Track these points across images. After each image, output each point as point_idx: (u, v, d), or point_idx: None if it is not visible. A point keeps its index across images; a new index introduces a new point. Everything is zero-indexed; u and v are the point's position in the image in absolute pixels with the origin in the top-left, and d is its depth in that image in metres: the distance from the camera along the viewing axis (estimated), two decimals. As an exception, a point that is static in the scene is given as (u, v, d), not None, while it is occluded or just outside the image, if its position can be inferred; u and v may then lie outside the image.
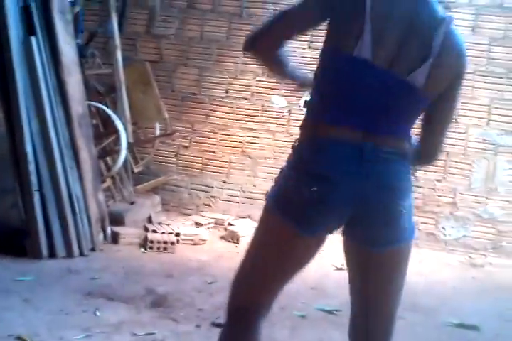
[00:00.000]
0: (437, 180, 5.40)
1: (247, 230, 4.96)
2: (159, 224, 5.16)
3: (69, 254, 4.34)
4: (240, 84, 5.70)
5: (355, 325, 2.16)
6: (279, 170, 2.02)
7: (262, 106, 5.60)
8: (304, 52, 5.47)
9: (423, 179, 5.40)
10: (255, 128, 5.60)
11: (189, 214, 5.70)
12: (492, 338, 3.68)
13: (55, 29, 4.51)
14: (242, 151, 5.71)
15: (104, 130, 5.31)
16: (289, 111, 5.59)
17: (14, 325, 3.15)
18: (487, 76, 5.33)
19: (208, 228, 5.36)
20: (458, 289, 4.53)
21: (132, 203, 5.27)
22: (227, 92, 5.75)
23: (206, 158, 5.78)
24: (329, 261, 4.81)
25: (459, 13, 5.32)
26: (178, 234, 4.91)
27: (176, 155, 5.87)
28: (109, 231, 4.77)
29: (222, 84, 5.76)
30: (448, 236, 5.40)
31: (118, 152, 5.03)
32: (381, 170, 1.91)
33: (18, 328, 3.11)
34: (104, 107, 5.20)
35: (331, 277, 4.53)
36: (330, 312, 3.85)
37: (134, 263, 4.41)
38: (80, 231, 4.41)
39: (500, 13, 5.29)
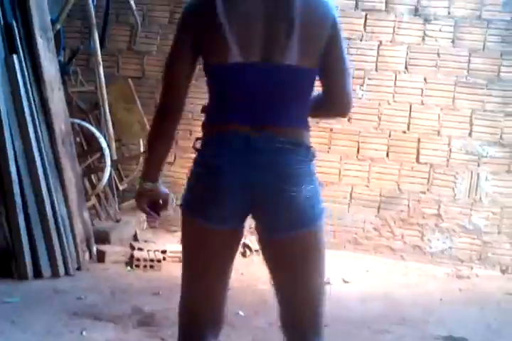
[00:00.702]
0: (422, 192, 5.43)
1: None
2: (145, 241, 5.15)
3: (54, 274, 4.30)
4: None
5: (283, 322, 2.19)
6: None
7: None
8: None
9: (408, 191, 5.43)
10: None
11: (175, 231, 5.64)
12: (481, 350, 3.72)
13: (36, 47, 4.51)
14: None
15: (88, 148, 5.30)
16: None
17: (1, 348, 3.14)
18: (468, 87, 5.37)
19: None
20: (445, 301, 4.54)
21: (118, 221, 5.25)
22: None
23: (191, 174, 5.76)
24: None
25: (439, 25, 5.39)
26: (164, 252, 4.89)
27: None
28: (94, 249, 4.74)
29: (205, 98, 5.73)
30: (434, 248, 5.42)
31: (102, 169, 5.01)
32: (271, 159, 1.99)
33: (6, 351, 3.11)
34: (87, 125, 5.19)
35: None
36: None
37: (120, 281, 4.39)
38: (66, 251, 4.38)
39: (479, 25, 5.34)
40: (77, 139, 5.18)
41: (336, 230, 5.48)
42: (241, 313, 3.90)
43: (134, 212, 5.59)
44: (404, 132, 5.45)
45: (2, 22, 4.32)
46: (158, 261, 4.73)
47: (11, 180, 4.19)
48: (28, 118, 4.35)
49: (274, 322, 3.57)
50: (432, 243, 5.42)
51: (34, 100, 4.45)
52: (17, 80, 4.29)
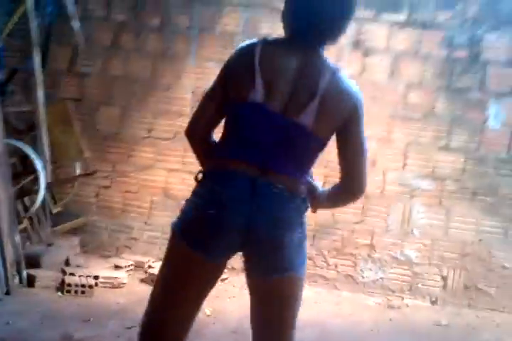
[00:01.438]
0: (355, 223, 5.50)
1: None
2: (77, 266, 5.05)
3: (-18, 299, 4.21)
4: (163, 124, 5.69)
5: None
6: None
7: (185, 147, 5.59)
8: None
9: (342, 221, 5.50)
10: (177, 169, 5.59)
11: (109, 257, 5.59)
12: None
13: (-26, 66, 4.44)
14: (164, 192, 5.68)
15: (22, 169, 5.20)
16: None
17: None
18: (403, 120, 5.48)
19: (128, 271, 5.28)
20: (376, 331, 4.59)
21: (50, 245, 5.15)
22: (150, 132, 5.74)
23: (127, 199, 5.72)
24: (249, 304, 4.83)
25: (378, 58, 5.51)
26: (96, 277, 4.82)
27: (96, 196, 5.78)
28: (25, 274, 4.63)
29: (145, 123, 5.75)
30: (366, 278, 5.48)
31: (36, 192, 4.92)
32: (270, 203, 2.13)
33: None
34: (22, 146, 5.10)
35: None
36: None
37: (50, 307, 4.31)
38: (-6, 275, 4.29)
39: (416, 59, 5.48)
40: (12, 160, 5.09)
41: (271, 258, 5.49)
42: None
43: (66, 236, 5.53)
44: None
45: None
46: (90, 286, 4.66)
47: None
48: (-38, 138, 4.26)
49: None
50: (364, 273, 5.49)
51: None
52: (-48, 99, 4.22)
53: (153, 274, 5.11)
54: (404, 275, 5.44)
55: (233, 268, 5.49)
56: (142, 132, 5.74)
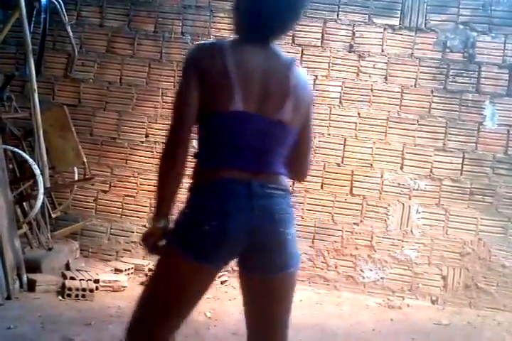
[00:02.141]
0: (355, 224, 5.51)
1: (167, 275, 4.90)
2: (77, 270, 5.05)
3: (-17, 303, 4.19)
4: (159, 129, 5.70)
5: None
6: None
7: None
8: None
9: (341, 222, 5.51)
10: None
11: (109, 260, 5.59)
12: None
13: (-30, 72, 4.44)
14: (162, 196, 5.67)
15: (20, 175, 5.20)
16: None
17: None
18: (399, 122, 5.52)
19: (128, 274, 5.28)
20: (377, 331, 4.58)
21: (50, 249, 5.14)
22: (147, 136, 5.75)
23: (126, 203, 5.73)
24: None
25: (372, 61, 5.55)
26: (97, 281, 4.81)
27: (95, 200, 5.78)
28: (25, 278, 4.62)
29: (142, 128, 5.76)
30: (366, 279, 5.49)
31: (35, 197, 4.91)
32: (267, 204, 2.16)
33: None
34: (20, 151, 5.10)
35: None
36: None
37: (51, 311, 4.28)
38: (-5, 280, 4.27)
39: (411, 62, 5.52)
40: (10, 166, 5.08)
41: (271, 260, 5.49)
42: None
43: (66, 241, 5.52)
44: (339, 164, 5.55)
45: None
46: (91, 290, 4.64)
47: None
48: (-40, 143, 4.26)
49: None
50: (364, 273, 5.49)
51: (-33, 125, 4.37)
52: (-50, 104, 4.22)
53: (153, 278, 5.10)
54: (405, 275, 5.44)
55: (233, 270, 5.49)
56: (139, 136, 5.76)
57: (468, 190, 5.42)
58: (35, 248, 5.12)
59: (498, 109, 5.44)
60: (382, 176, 5.50)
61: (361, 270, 5.50)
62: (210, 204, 2.15)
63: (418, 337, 4.52)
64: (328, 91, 5.58)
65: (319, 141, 5.56)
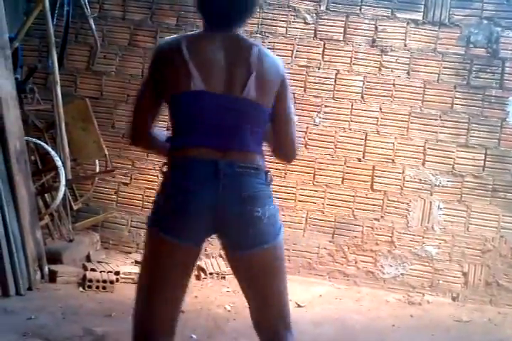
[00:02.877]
0: (375, 219, 5.49)
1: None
2: (98, 262, 5.07)
3: (5, 294, 4.22)
4: (180, 122, 5.71)
5: (257, 325, 2.44)
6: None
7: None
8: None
9: (362, 217, 5.49)
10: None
11: (129, 252, 5.62)
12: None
13: (-6, 64, 4.47)
14: (183, 189, 5.69)
15: (42, 166, 5.23)
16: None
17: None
18: (422, 118, 5.48)
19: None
20: (396, 327, 4.56)
21: (71, 241, 5.17)
22: (167, 129, 5.74)
23: (147, 196, 5.72)
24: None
25: (395, 56, 5.52)
26: (117, 273, 4.83)
27: (115, 193, 5.80)
28: (46, 269, 4.65)
29: (163, 121, 5.74)
30: (386, 275, 5.46)
31: (57, 189, 4.94)
32: (236, 182, 2.23)
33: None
34: (42, 143, 5.13)
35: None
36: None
37: (71, 302, 4.31)
38: (17, 270, 4.30)
39: (433, 57, 5.48)
40: (32, 158, 5.12)
41: (291, 255, 5.49)
42: (194, 337, 3.87)
43: (87, 233, 5.54)
44: (360, 160, 5.53)
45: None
46: (111, 282, 4.67)
47: (-38, 196, 4.12)
48: (-17, 136, 4.30)
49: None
50: (384, 269, 5.47)
51: (-12, 118, 4.40)
52: (-27, 97, 4.25)
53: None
54: (425, 271, 5.41)
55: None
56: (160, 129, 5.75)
57: (490, 186, 5.38)
58: (56, 239, 5.15)
59: (522, 105, 5.40)
60: (403, 172, 5.47)
61: (381, 265, 5.47)
62: (176, 182, 2.26)
63: (438, 333, 4.50)
64: (350, 86, 5.56)
65: (340, 136, 5.54)
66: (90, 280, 4.63)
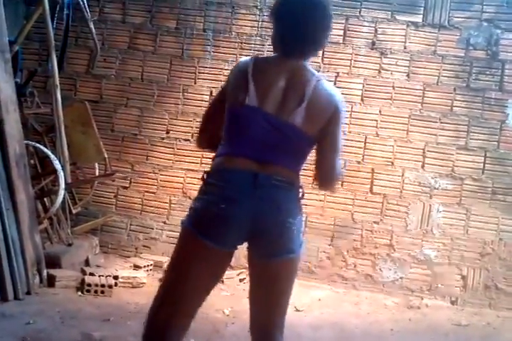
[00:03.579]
0: (375, 222, 5.48)
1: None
2: (97, 266, 5.08)
3: (3, 298, 4.22)
4: (180, 125, 5.72)
5: (255, 324, 2.58)
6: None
7: (203, 147, 5.62)
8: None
9: (361, 221, 5.49)
10: (195, 170, 5.60)
11: (128, 257, 5.62)
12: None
13: (-7, 68, 4.47)
14: (183, 192, 5.70)
15: (42, 170, 5.24)
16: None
17: None
18: (421, 120, 5.48)
19: (147, 270, 5.30)
20: (395, 331, 4.57)
21: (70, 245, 5.17)
22: (167, 133, 5.76)
23: (146, 199, 5.74)
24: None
25: (395, 59, 5.51)
26: (116, 277, 4.83)
27: (115, 196, 5.81)
28: (45, 274, 4.66)
29: (163, 124, 5.78)
30: (385, 278, 5.46)
31: (56, 192, 4.94)
32: (272, 194, 2.40)
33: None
34: (42, 147, 5.13)
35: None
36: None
37: (70, 307, 4.31)
38: (15, 274, 4.30)
39: (433, 60, 5.47)
40: (32, 161, 5.12)
41: (290, 258, 5.50)
42: (193, 341, 3.87)
43: (86, 237, 5.55)
44: (359, 162, 5.53)
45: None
46: (110, 286, 4.67)
47: (-39, 201, 4.13)
48: (-18, 139, 4.30)
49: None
50: (383, 273, 5.46)
51: (-12, 122, 4.40)
52: (-28, 101, 4.25)
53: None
54: (424, 275, 5.41)
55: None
56: (160, 133, 5.77)
57: (489, 189, 5.37)
58: (55, 243, 5.16)
59: (522, 108, 5.38)
60: (403, 175, 5.47)
61: (380, 269, 5.47)
62: (219, 189, 2.41)
63: (437, 337, 4.51)
64: (349, 88, 5.55)
65: (340, 139, 5.53)
66: (89, 285, 4.63)
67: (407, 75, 5.52)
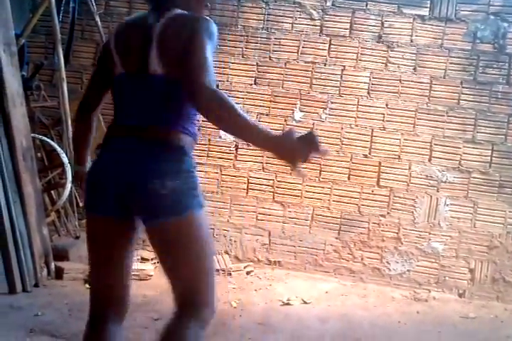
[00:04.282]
0: (382, 215, 5.48)
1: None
2: (104, 258, 5.07)
3: (11, 290, 4.24)
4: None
5: (173, 295, 2.40)
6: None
7: (209, 140, 5.62)
8: (251, 87, 5.59)
9: (368, 214, 5.48)
10: (202, 163, 5.60)
11: (135, 249, 5.62)
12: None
13: (-1, 61, 4.48)
14: (189, 185, 5.69)
15: (49, 163, 5.24)
16: (235, 146, 5.63)
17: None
18: (428, 114, 5.47)
19: (154, 263, 5.30)
20: (402, 323, 4.56)
21: (77, 238, 5.18)
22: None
23: (152, 192, 5.74)
24: (275, 296, 4.83)
25: (401, 52, 5.50)
26: (123, 269, 4.83)
27: (121, 189, 5.80)
28: (53, 266, 4.67)
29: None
30: (392, 271, 5.46)
31: (63, 186, 4.95)
32: (142, 156, 2.27)
33: (-41, 368, 3.04)
34: (49, 140, 5.14)
35: (277, 312, 4.54)
36: (277, 347, 3.86)
37: (78, 299, 4.30)
38: (23, 267, 4.32)
39: (440, 53, 5.46)
40: (39, 154, 5.13)
41: (297, 251, 5.51)
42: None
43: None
44: (366, 156, 5.52)
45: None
46: (117, 279, 4.67)
47: (-31, 193, 4.14)
48: (-11, 133, 4.31)
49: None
50: (390, 265, 5.46)
51: (-5, 115, 4.41)
52: (-21, 93, 4.26)
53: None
54: (432, 267, 5.41)
55: (259, 261, 5.51)
56: (166, 126, 5.75)
57: (497, 182, 5.37)
58: (62, 236, 5.17)
59: (529, 101, 5.37)
60: (410, 168, 5.46)
61: (387, 262, 5.47)
62: (96, 159, 2.42)
63: (444, 330, 4.50)
64: (356, 81, 5.54)
65: (346, 132, 5.53)
66: (96, 277, 4.63)
67: (414, 69, 5.51)
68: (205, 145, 5.59)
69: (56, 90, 5.26)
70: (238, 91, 5.61)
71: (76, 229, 5.23)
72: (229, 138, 5.60)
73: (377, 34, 5.54)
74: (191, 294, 2.36)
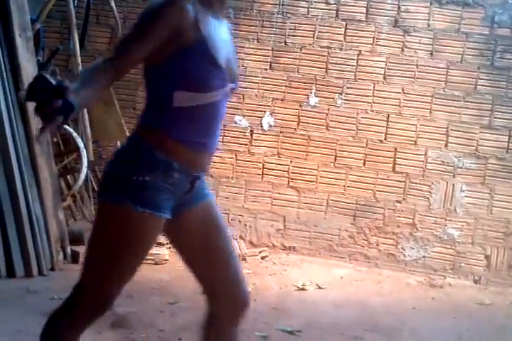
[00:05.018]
0: (397, 201, 5.46)
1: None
2: (119, 243, 5.09)
3: (28, 274, 4.28)
4: (201, 104, 5.70)
5: None
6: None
7: (224, 126, 5.60)
8: (266, 72, 5.58)
9: (383, 200, 5.46)
10: (217, 148, 5.58)
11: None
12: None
13: (15, 46, 4.49)
14: (204, 171, 5.70)
15: (64, 148, 5.26)
16: (250, 131, 5.62)
17: (-29, 347, 3.10)
18: (445, 99, 5.42)
19: (170, 247, 5.31)
20: (418, 310, 4.56)
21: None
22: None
23: (168, 177, 5.75)
24: (290, 282, 4.84)
25: (418, 37, 5.45)
26: (139, 254, 4.85)
27: (137, 174, 5.82)
28: (69, 250, 4.70)
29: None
30: (408, 257, 5.44)
31: (79, 170, 4.97)
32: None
33: (-24, 350, 3.06)
34: (65, 125, 5.15)
35: (292, 297, 4.55)
36: (291, 332, 3.88)
37: (93, 283, 4.34)
38: (40, 251, 4.35)
39: (457, 38, 5.40)
40: (54, 139, 5.15)
41: (312, 237, 5.51)
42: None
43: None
44: (381, 141, 5.49)
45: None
46: (132, 263, 4.69)
47: (-15, 177, 4.16)
48: (5, 116, 4.33)
49: (245, 327, 3.63)
50: (406, 251, 5.44)
51: (11, 99, 4.42)
52: (-5, 79, 4.27)
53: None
54: (447, 254, 5.38)
55: (273, 246, 5.51)
56: (182, 112, 5.75)
57: (514, 168, 5.33)
58: (78, 220, 5.20)
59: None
60: (426, 154, 5.43)
61: (403, 248, 5.44)
62: None
63: (459, 316, 4.49)
64: (372, 67, 5.50)
65: (362, 118, 5.50)
66: (112, 261, 4.65)
67: (431, 53, 5.46)
68: (220, 130, 5.57)
69: (71, 75, 5.25)
70: (253, 76, 5.59)
71: (92, 214, 5.25)
72: (244, 123, 5.60)
73: (393, 18, 5.49)
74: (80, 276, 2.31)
